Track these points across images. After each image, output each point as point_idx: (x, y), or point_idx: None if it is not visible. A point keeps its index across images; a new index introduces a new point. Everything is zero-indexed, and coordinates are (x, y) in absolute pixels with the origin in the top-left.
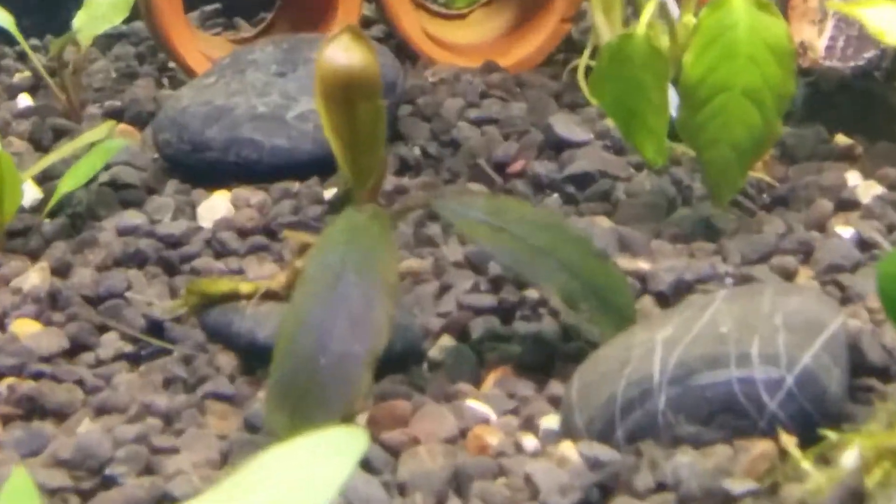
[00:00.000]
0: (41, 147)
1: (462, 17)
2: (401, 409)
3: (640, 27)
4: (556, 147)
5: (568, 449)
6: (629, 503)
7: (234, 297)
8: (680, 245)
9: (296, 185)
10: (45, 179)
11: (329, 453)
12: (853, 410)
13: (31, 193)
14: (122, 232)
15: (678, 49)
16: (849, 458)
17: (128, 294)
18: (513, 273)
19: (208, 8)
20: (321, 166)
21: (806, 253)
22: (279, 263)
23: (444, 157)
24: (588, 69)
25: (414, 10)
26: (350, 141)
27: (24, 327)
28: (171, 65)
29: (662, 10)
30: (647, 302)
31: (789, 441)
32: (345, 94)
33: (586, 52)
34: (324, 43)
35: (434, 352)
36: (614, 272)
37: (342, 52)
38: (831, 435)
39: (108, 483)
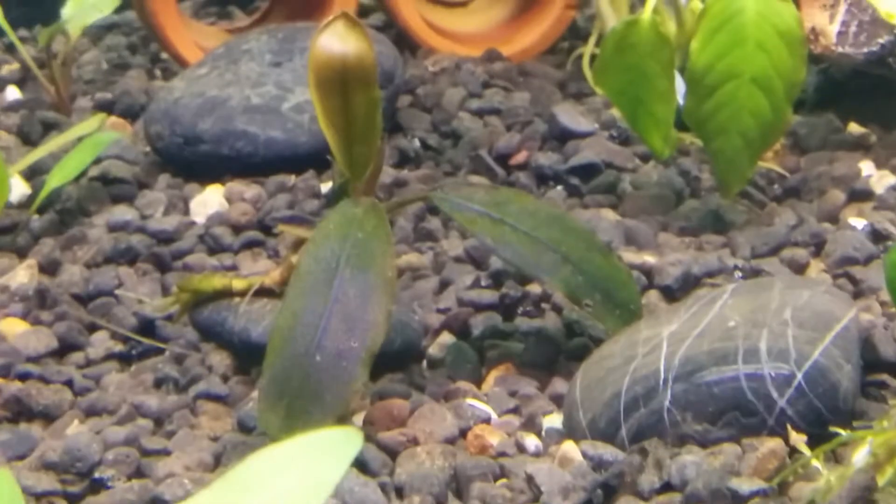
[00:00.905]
0: (30, 141)
1: (464, 4)
2: (399, 408)
3: (646, 13)
4: (561, 138)
5: (571, 449)
6: None
7: (227, 294)
8: (688, 238)
9: (292, 179)
10: (34, 174)
11: (323, 454)
12: (865, 407)
13: (18, 189)
14: (113, 228)
15: (685, 35)
16: (860, 456)
17: (118, 292)
18: (514, 268)
19: None
20: (318, 159)
21: (818, 245)
22: (274, 259)
23: (445, 149)
24: (593, 57)
25: None
26: (345, 131)
27: (12, 327)
28: (164, 55)
29: None
30: (653, 296)
31: (799, 439)
32: (339, 83)
33: (591, 40)
34: (318, 30)
35: (434, 349)
36: (619, 266)
37: (336, 39)
38: (842, 432)
39: (97, 487)
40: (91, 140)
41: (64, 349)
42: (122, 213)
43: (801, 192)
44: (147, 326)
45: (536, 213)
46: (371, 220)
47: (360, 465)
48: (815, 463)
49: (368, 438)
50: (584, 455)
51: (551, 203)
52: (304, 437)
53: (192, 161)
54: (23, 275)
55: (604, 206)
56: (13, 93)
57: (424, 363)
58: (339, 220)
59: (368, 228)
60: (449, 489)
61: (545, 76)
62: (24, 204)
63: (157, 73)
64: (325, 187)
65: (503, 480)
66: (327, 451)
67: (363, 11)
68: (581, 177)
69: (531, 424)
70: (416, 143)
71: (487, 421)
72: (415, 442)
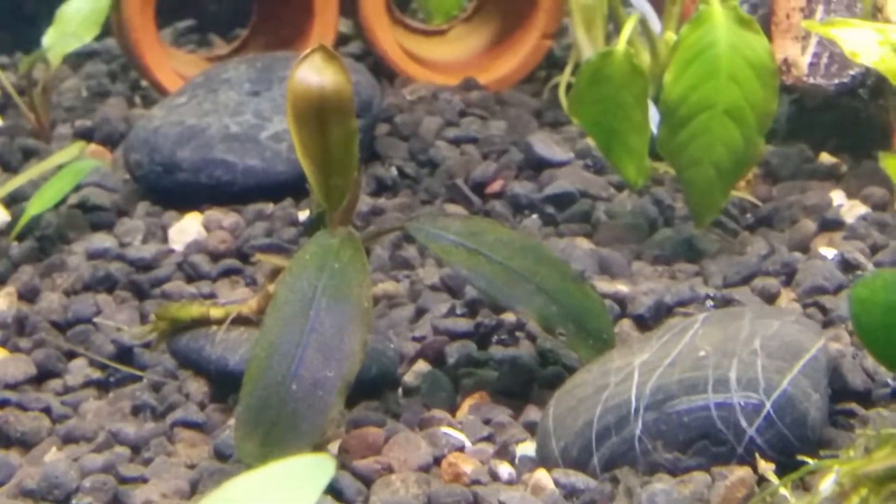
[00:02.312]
0: (9, 168)
1: (441, 33)
2: (374, 436)
3: (620, 44)
4: (536, 167)
5: (543, 477)
6: None
7: (204, 322)
8: (661, 267)
9: (270, 207)
10: (13, 201)
11: (297, 480)
12: (833, 435)
13: None
14: (92, 255)
15: (659, 67)
16: (826, 484)
17: (96, 319)
18: (489, 297)
19: (182, 24)
20: (296, 187)
21: (788, 275)
22: (252, 287)
23: (422, 178)
24: (569, 86)
25: (391, 27)
26: (322, 163)
27: None
28: (144, 83)
29: (644, 27)
30: (626, 325)
31: (767, 468)
32: (317, 115)
33: (568, 69)
34: (296, 63)
35: (409, 377)
36: (592, 296)
37: (314, 72)
38: (810, 461)
39: None
40: (71, 168)
41: (42, 376)
42: (101, 240)
43: (773, 222)
44: (125, 354)
45: (511, 243)
46: (347, 250)
47: (336, 492)
48: (783, 491)
49: (343, 466)
50: (557, 483)
51: (526, 233)
52: (278, 465)
53: (170, 189)
54: (2, 302)
55: (578, 235)
56: None
57: (400, 391)
58: (315, 250)
59: (345, 259)
60: None
61: (522, 105)
62: (4, 231)
63: (137, 100)
64: (303, 215)
65: None
66: (301, 477)
67: (342, 40)
68: (556, 205)
69: (505, 452)
70: (394, 171)
71: (461, 449)
72: (389, 470)
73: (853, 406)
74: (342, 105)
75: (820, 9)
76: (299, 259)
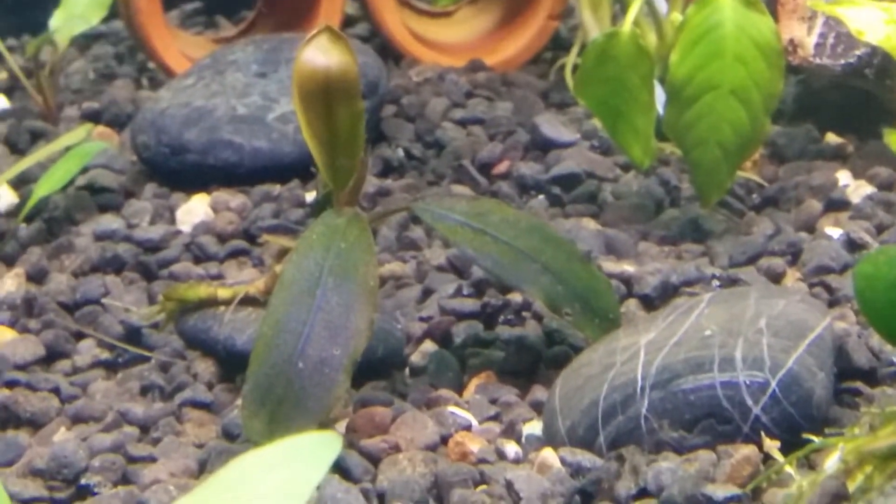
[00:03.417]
0: (17, 150)
1: (448, 14)
2: (381, 415)
3: (626, 25)
4: (542, 147)
5: (550, 455)
6: None
7: (212, 302)
8: (667, 247)
9: (277, 188)
10: (21, 183)
11: (303, 457)
12: (839, 414)
13: (6, 198)
14: (100, 237)
15: (665, 47)
16: (831, 462)
17: (105, 300)
18: (496, 277)
19: (189, 6)
20: (303, 168)
21: (794, 254)
22: (259, 268)
23: (429, 159)
24: (576, 67)
25: (398, 8)
26: (329, 143)
27: None
28: (151, 65)
29: (650, 8)
30: (632, 305)
31: (773, 446)
32: (323, 96)
33: (574, 50)
34: (302, 44)
35: (416, 357)
36: (599, 276)
37: (320, 53)
38: (815, 439)
39: (84, 493)
40: (78, 150)
41: (51, 357)
42: (109, 222)
43: (779, 202)
44: (133, 334)
45: (517, 224)
46: (354, 230)
47: (343, 471)
48: (789, 469)
49: (351, 445)
50: (563, 462)
51: (532, 213)
52: (284, 442)
53: (178, 171)
54: (10, 283)
55: (584, 216)
56: (1, 102)
57: (407, 371)
58: (322, 230)
59: (351, 239)
60: (430, 495)
61: (528, 86)
62: (12, 213)
63: (144, 82)
64: (310, 196)
65: (483, 487)
66: (307, 454)
67: (348, 21)
68: (562, 186)
69: (511, 432)
70: (400, 152)
71: (468, 428)
72: (396, 449)
73: (858, 384)
74: (348, 86)
75: None
76: (306, 239)
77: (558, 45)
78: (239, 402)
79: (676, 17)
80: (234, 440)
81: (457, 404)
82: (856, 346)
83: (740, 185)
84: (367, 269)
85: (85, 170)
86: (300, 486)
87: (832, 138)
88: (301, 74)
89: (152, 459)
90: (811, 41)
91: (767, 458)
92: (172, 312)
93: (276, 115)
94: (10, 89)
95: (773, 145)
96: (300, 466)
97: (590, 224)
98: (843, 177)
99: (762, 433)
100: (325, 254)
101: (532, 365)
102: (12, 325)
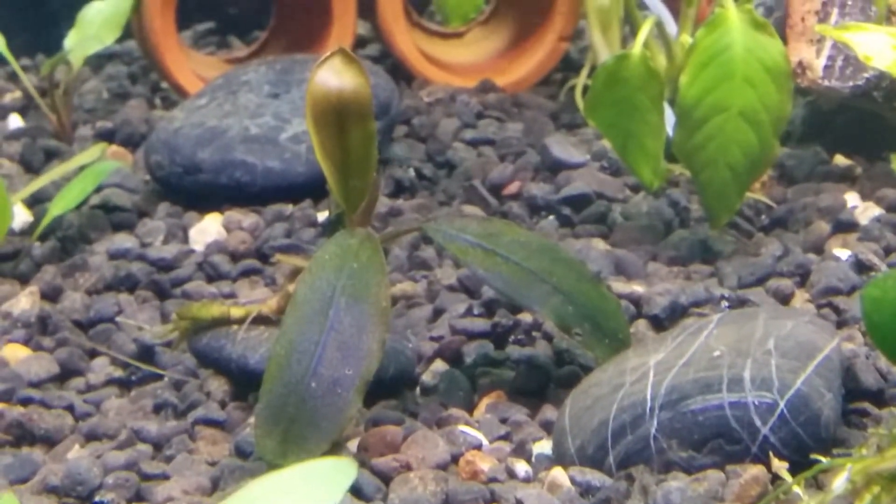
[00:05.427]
0: (32, 169)
1: (459, 35)
2: (392, 434)
3: (636, 48)
4: (553, 168)
5: (559, 475)
6: None
7: (225, 321)
8: (676, 268)
9: (289, 208)
10: (36, 202)
11: (320, 482)
12: (847, 435)
13: (21, 216)
14: (113, 255)
15: (675, 69)
16: (839, 482)
17: (118, 319)
18: (506, 297)
19: (201, 27)
20: (315, 188)
21: (803, 276)
22: (271, 287)
23: (439, 179)
24: (586, 89)
25: (409, 30)
26: (341, 164)
27: (14, 352)
28: (164, 85)
29: (660, 30)
30: (641, 325)
31: (781, 466)
32: (336, 117)
33: (584, 72)
34: (315, 66)
35: (427, 377)
36: (608, 296)
37: (333, 75)
38: (823, 460)
39: None
40: (92, 169)
41: (65, 375)
42: (123, 240)
43: (788, 223)
44: (146, 353)
45: (528, 244)
46: (366, 250)
47: (355, 490)
48: (797, 489)
49: (362, 464)
50: (573, 481)
51: (542, 234)
52: (302, 466)
53: (191, 190)
54: (25, 301)
55: (594, 236)
56: (15, 121)
57: (418, 390)
58: (334, 250)
59: (363, 259)
60: None
61: (538, 107)
62: (27, 231)
63: (157, 102)
64: (322, 216)
65: None
66: (324, 479)
67: (359, 42)
68: (572, 207)
69: (521, 451)
70: (412, 172)
71: (479, 447)
72: (408, 467)
73: (866, 405)
74: (361, 107)
75: (835, 12)
76: (319, 259)
77: (568, 66)
78: (251, 420)
79: (686, 39)
80: (247, 458)
81: (467, 423)
82: (863, 367)
83: (749, 206)
84: (379, 289)
85: (99, 189)
86: None
87: (840, 160)
88: (314, 96)
89: (165, 477)
90: (820, 63)
91: (776, 478)
92: (185, 331)
93: (289, 135)
94: (25, 108)
95: (781, 167)
96: (317, 490)
97: (599, 244)
98: (852, 198)
99: (770, 453)
100: (337, 274)
101: (542, 385)
102: (27, 342)
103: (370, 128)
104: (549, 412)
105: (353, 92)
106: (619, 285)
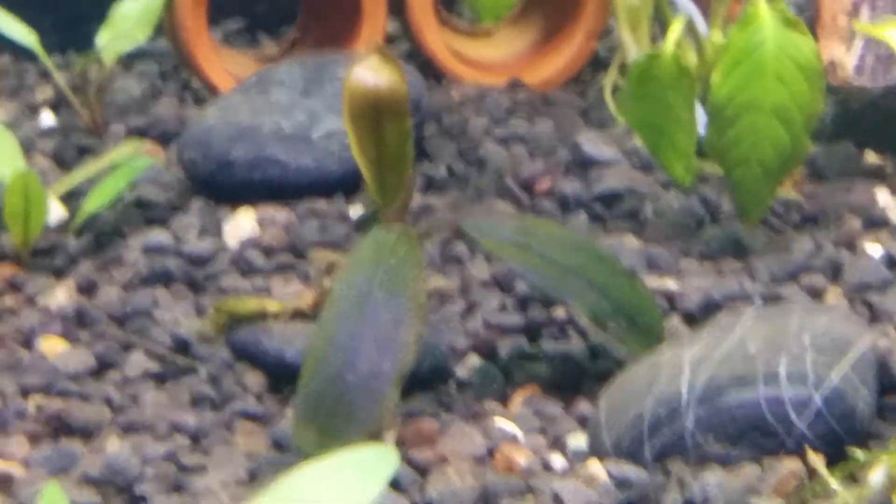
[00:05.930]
0: (65, 165)
1: (488, 34)
2: (428, 427)
3: (668, 46)
4: (584, 165)
5: (596, 468)
6: None
7: (261, 316)
8: (708, 264)
9: (322, 204)
10: (71, 198)
11: (359, 472)
12: (881, 429)
13: (56, 212)
14: (148, 250)
15: (706, 67)
16: (876, 476)
17: (154, 312)
18: (540, 292)
19: (231, 24)
20: (347, 185)
21: (835, 272)
22: (305, 282)
23: (470, 176)
24: (615, 86)
25: (439, 28)
26: (377, 161)
27: (52, 346)
28: (195, 82)
29: (690, 28)
30: (675, 321)
31: (817, 460)
32: (373, 114)
33: (613, 69)
34: (352, 63)
35: (461, 371)
36: (643, 291)
37: (370, 72)
38: (859, 453)
39: (137, 501)
40: (126, 166)
41: (102, 368)
42: (157, 236)
43: (819, 220)
44: (183, 346)
45: (562, 240)
46: (403, 246)
47: (393, 482)
48: (833, 483)
49: (400, 456)
50: (609, 474)
51: (576, 230)
52: (342, 455)
53: (224, 186)
54: (61, 295)
55: (626, 233)
56: (49, 118)
57: (453, 384)
58: (371, 246)
59: (400, 254)
60: None
61: (568, 105)
62: (62, 226)
63: (189, 99)
64: (354, 212)
65: (530, 498)
66: (365, 469)
67: (389, 40)
68: (604, 204)
69: (557, 444)
70: (443, 170)
71: (514, 440)
72: (444, 460)
73: None
74: (397, 105)
75: (865, 11)
76: (356, 255)
77: (597, 64)
78: (288, 413)
79: (717, 37)
80: (284, 450)
81: (502, 417)
82: None
83: (780, 203)
84: (416, 284)
85: (132, 185)
86: (358, 500)
87: (871, 157)
88: (352, 93)
89: (204, 469)
90: (851, 62)
91: (812, 471)
92: (222, 325)
93: (321, 132)
94: (57, 105)
95: (812, 164)
96: (358, 479)
97: (631, 241)
98: (882, 195)
99: (806, 447)
100: (374, 269)
101: (576, 379)
102: (64, 336)
103: (406, 125)
104: (583, 406)
105: (389, 89)
106: (652, 281)
